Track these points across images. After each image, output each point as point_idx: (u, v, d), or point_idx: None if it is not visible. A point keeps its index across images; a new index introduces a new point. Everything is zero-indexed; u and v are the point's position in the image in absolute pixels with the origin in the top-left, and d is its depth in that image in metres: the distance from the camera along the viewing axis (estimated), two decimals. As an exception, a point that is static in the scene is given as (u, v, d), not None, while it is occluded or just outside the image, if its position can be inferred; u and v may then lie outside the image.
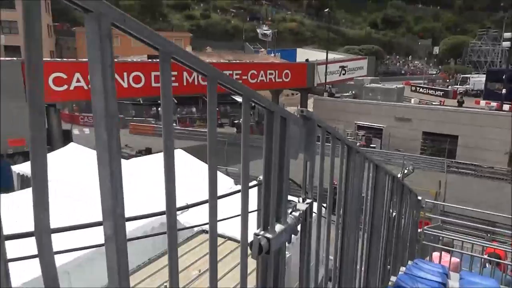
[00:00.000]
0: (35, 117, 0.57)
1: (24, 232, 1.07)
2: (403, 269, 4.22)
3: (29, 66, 0.57)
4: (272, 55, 50.28)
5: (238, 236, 1.23)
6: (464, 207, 9.50)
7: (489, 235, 10.61)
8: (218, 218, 1.10)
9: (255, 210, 1.31)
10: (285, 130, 1.30)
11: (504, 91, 28.86)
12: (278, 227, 1.31)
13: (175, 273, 0.88)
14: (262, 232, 1.26)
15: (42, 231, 0.57)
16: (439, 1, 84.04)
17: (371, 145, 27.26)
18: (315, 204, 1.72)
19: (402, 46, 74.23)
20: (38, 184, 0.58)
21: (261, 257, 1.28)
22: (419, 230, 5.60)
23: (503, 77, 29.82)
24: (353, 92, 34.31)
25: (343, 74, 39.30)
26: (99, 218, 0.75)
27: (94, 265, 4.94)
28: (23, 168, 10.91)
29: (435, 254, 5.57)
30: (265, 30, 61.85)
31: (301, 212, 1.46)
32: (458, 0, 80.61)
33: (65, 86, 17.63)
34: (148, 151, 21.56)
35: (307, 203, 1.53)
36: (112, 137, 0.66)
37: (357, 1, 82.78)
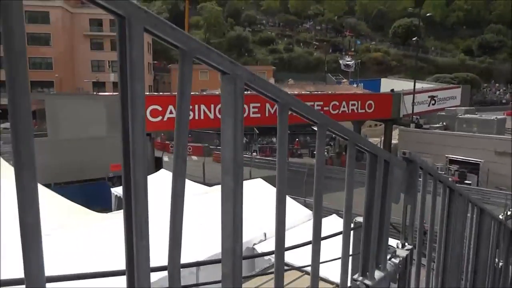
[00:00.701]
0: (177, 166, 0.66)
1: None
2: (513, 329, 3.67)
3: (179, 120, 0.67)
4: (355, 85, 49.47)
5: (329, 276, 1.22)
6: None
7: None
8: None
9: (355, 254, 1.29)
10: (388, 174, 1.28)
11: None
12: (378, 274, 1.27)
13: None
14: (361, 278, 1.23)
15: (173, 268, 0.64)
16: (547, 23, 75.36)
17: (466, 182, 24.72)
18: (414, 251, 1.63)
19: (503, 73, 67.40)
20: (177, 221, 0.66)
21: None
22: (531, 285, 4.85)
23: None
24: (444, 123, 31.82)
25: (433, 104, 36.90)
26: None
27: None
28: (120, 190, 12.11)
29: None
30: (347, 61, 61.41)
31: (401, 259, 1.40)
32: None
33: (160, 117, 19.36)
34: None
35: (407, 249, 1.46)
36: (237, 184, 0.73)
37: (449, 28, 78.21)
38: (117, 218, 7.82)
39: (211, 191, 10.35)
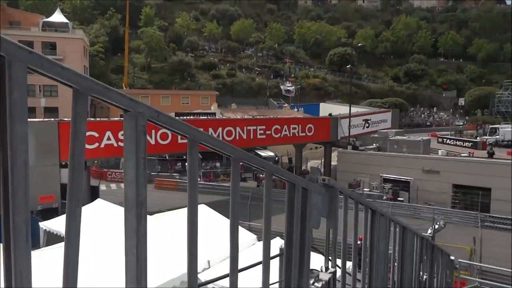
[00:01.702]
0: (72, 208, 0.64)
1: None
2: None
3: (72, 162, 0.65)
4: (296, 110, 51.31)
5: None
6: (502, 268, 8.85)
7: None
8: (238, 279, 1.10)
9: (276, 282, 1.31)
10: (307, 201, 1.33)
11: (536, 141, 27.86)
12: (301, 300, 1.29)
13: None
14: (284, 305, 1.25)
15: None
16: (460, 55, 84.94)
17: (399, 198, 26.36)
18: (339, 271, 1.69)
19: (426, 98, 74.22)
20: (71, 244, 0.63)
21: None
22: (455, 294, 5.23)
23: (534, 127, 28.94)
24: (377, 144, 34.01)
25: (367, 127, 39.26)
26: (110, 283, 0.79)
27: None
28: (50, 224, 11.16)
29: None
30: (288, 86, 63.79)
31: (323, 282, 1.44)
32: (480, 53, 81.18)
33: (96, 144, 18.45)
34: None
35: (330, 272, 1.51)
36: (140, 223, 0.72)
37: (378, 57, 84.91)
38: (46, 255, 7.18)
39: (150, 220, 9.94)
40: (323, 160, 34.40)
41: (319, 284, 1.40)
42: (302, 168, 33.83)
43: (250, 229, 13.98)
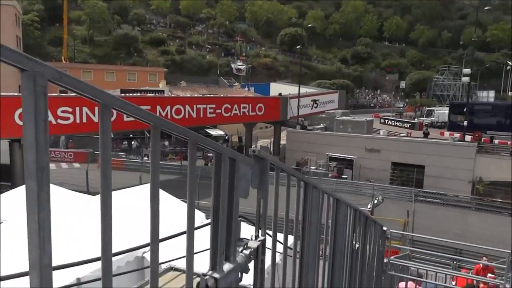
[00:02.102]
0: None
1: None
2: (370, 301, 4.24)
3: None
4: (246, 89, 51.27)
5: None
6: (430, 237, 9.71)
7: (455, 262, 10.83)
8: (178, 256, 1.12)
9: (204, 250, 1.34)
10: (234, 171, 1.36)
11: (465, 123, 30.43)
12: (227, 266, 1.34)
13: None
14: (210, 272, 1.28)
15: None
16: (403, 39, 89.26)
17: (343, 176, 27.70)
18: (270, 240, 1.77)
19: (371, 80, 77.59)
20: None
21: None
22: (385, 260, 5.68)
23: (465, 109, 31.51)
24: (325, 124, 35.23)
25: (315, 107, 40.39)
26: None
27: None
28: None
29: (402, 284, 5.63)
30: (239, 65, 63.35)
31: (252, 249, 1.50)
32: (421, 39, 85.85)
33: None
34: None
35: (259, 241, 1.57)
36: (41, 189, 0.69)
37: (328, 39, 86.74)
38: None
39: (94, 200, 9.58)
40: (272, 139, 35.02)
41: (247, 251, 1.45)
42: (252, 147, 34.21)
43: (199, 207, 13.99)
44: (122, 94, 28.51)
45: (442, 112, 46.64)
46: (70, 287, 3.44)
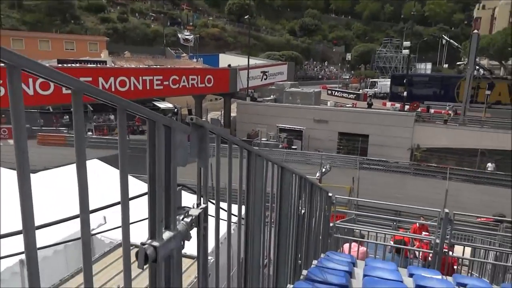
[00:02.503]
0: None
1: None
2: (315, 262, 4.49)
3: None
4: (195, 60, 49.92)
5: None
6: (373, 201, 10.39)
7: (395, 223, 11.75)
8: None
9: (142, 220, 1.32)
10: (170, 139, 1.33)
11: (405, 93, 32.25)
12: (167, 234, 1.33)
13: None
14: (149, 241, 1.27)
15: None
16: (349, 12, 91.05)
17: (293, 147, 28.45)
18: (212, 208, 1.78)
19: (319, 52, 78.83)
20: None
21: (150, 266, 1.29)
22: (331, 224, 6.00)
23: (404, 81, 33.30)
24: (275, 96, 35.56)
25: (265, 79, 40.51)
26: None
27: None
28: None
29: (346, 245, 6.01)
30: (186, 35, 61.17)
31: (193, 217, 1.50)
32: (365, 11, 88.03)
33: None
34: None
35: (201, 208, 1.58)
36: None
37: (276, 10, 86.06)
38: None
39: (34, 178, 9.03)
40: (223, 112, 34.79)
41: (188, 219, 1.45)
42: (202, 119, 33.77)
43: (144, 180, 13.72)
44: (60, 65, 26.51)
45: (384, 84, 48.93)
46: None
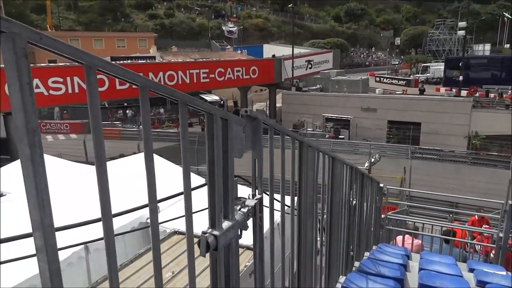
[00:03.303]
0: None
1: None
2: (367, 254, 4.41)
3: None
4: (239, 52, 50.25)
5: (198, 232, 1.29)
6: (426, 192, 9.94)
7: (451, 215, 11.16)
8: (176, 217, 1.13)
9: (202, 210, 1.37)
10: (227, 131, 1.36)
11: (461, 77, 30.24)
12: (226, 224, 1.37)
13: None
14: (209, 230, 1.32)
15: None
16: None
17: (340, 136, 27.87)
18: (267, 199, 1.80)
19: (365, 38, 76.04)
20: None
21: (211, 254, 1.34)
22: (383, 216, 5.84)
23: (460, 64, 31.19)
24: (320, 85, 34.92)
25: (310, 68, 39.83)
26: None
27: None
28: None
29: (399, 238, 5.82)
30: (230, 27, 61.64)
31: (250, 207, 1.53)
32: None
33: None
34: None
35: (256, 199, 1.60)
36: (34, 151, 0.69)
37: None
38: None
39: (94, 170, 9.64)
40: (268, 102, 34.82)
41: (245, 209, 1.48)
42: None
43: (198, 173, 14.14)
44: (113, 62, 27.89)
45: (437, 68, 46.21)
46: (75, 246, 3.54)
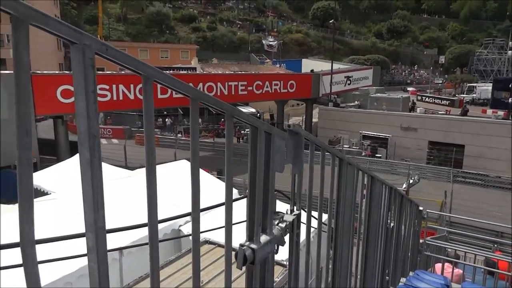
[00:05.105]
0: (22, 138, 0.65)
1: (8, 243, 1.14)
2: (403, 280, 4.21)
3: (18, 93, 0.64)
4: (278, 65, 50.61)
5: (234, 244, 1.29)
6: (469, 218, 9.42)
7: (495, 245, 10.46)
8: (215, 227, 1.15)
9: (241, 222, 1.37)
10: (270, 145, 1.36)
11: (510, 99, 28.68)
12: (264, 238, 1.36)
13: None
14: (247, 243, 1.32)
15: (26, 243, 0.63)
16: (444, 11, 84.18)
17: (377, 155, 27.13)
18: (304, 215, 1.78)
19: (408, 55, 74.23)
20: (24, 198, 0.65)
21: (247, 268, 1.33)
22: (421, 241, 5.58)
23: (510, 86, 29.63)
24: (359, 101, 34.33)
25: (348, 84, 39.37)
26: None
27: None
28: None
29: (438, 265, 5.53)
30: (270, 41, 62.36)
31: (287, 223, 1.52)
32: (463, 10, 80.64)
33: (73, 98, 17.98)
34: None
35: (294, 215, 1.59)
36: (94, 156, 0.73)
37: (362, 13, 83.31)
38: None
39: (133, 175, 9.98)
40: (304, 117, 34.65)
41: (283, 225, 1.47)
42: (284, 124, 34.05)
43: (232, 183, 14.22)
44: (167, 73, 28.99)
45: (484, 89, 44.16)
46: (123, 249, 3.65)
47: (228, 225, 1.20)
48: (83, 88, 0.71)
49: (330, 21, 47.31)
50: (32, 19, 0.61)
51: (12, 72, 0.65)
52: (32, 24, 0.62)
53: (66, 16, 52.44)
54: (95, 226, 0.76)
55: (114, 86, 20.32)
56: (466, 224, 13.93)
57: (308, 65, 50.85)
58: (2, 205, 8.23)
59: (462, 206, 16.42)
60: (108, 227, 0.82)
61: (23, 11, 0.60)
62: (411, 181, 18.47)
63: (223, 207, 1.25)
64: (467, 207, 16.67)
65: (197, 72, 35.59)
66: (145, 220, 0.93)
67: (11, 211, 7.59)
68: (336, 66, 40.14)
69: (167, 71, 32.55)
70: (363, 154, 26.81)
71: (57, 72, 23.69)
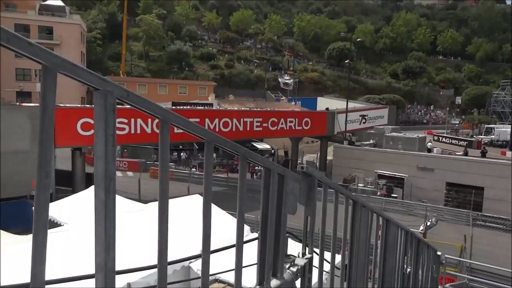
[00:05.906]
0: (41, 180, 0.67)
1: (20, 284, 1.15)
2: (421, 330, 3.98)
3: (41, 136, 0.67)
4: (293, 103, 51.26)
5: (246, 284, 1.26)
6: (490, 265, 8.98)
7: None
8: (226, 269, 1.13)
9: (251, 265, 1.34)
10: (283, 187, 1.36)
11: (531, 142, 28.07)
12: (274, 283, 1.33)
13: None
14: (258, 287, 1.29)
15: (36, 284, 0.64)
16: (459, 53, 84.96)
17: (393, 195, 26.53)
18: (316, 258, 1.74)
19: (424, 95, 74.36)
20: (38, 240, 0.66)
21: (256, 313, 1.29)
22: (439, 287, 5.32)
23: (529, 128, 29.11)
24: (374, 140, 34.12)
25: (364, 123, 39.36)
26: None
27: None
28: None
29: (459, 316, 5.23)
30: (286, 79, 63.60)
31: (299, 267, 1.48)
32: (479, 52, 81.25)
33: (92, 131, 18.45)
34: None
35: (306, 258, 1.55)
36: (108, 197, 0.75)
37: (377, 53, 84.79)
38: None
39: (146, 208, 9.98)
40: (319, 154, 34.51)
41: (294, 269, 1.44)
42: (298, 161, 33.90)
43: (243, 225, 14.04)
44: (174, 107, 29.72)
45: (503, 130, 43.46)
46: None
47: (238, 269, 1.19)
48: (103, 131, 0.74)
49: (346, 61, 48.21)
50: (61, 68, 0.66)
51: (37, 105, 0.69)
52: (60, 72, 0.67)
53: (92, 52, 54.96)
54: (105, 268, 0.76)
55: (132, 120, 20.85)
56: (487, 271, 13.25)
57: (323, 103, 51.33)
58: (13, 235, 8.28)
59: (483, 252, 15.71)
60: (118, 263, 0.82)
61: (53, 60, 0.65)
62: (428, 223, 17.90)
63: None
64: (488, 253, 15.94)
65: (214, 108, 36.29)
66: (155, 257, 0.92)
67: (20, 242, 7.61)
68: (352, 104, 40.38)
69: (184, 106, 33.14)
70: (379, 193, 26.27)
71: (79, 105, 24.53)
